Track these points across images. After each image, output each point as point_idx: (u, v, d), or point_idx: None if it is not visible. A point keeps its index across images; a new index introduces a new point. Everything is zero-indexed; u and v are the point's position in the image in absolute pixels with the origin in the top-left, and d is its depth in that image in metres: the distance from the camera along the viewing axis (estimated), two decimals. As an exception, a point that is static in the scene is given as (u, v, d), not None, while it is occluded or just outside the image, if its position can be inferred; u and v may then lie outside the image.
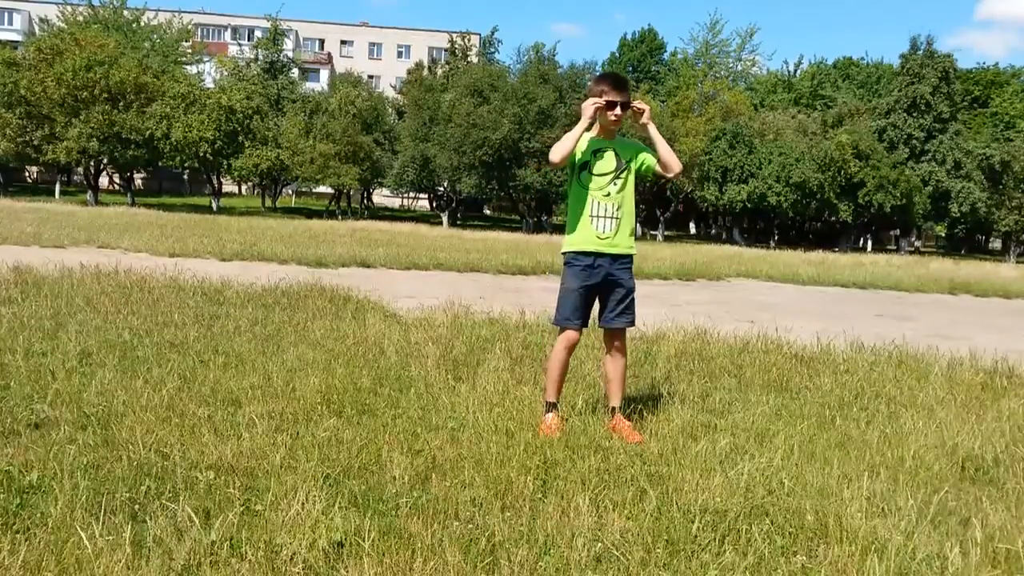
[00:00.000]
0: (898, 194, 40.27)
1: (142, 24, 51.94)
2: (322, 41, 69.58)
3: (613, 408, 3.93)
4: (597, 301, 3.95)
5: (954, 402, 4.86)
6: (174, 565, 2.26)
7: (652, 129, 3.92)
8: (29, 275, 7.78)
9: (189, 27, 55.49)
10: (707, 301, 10.92)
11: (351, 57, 68.17)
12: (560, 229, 39.08)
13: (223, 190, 42.12)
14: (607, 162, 3.86)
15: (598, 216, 3.84)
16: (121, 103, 34.78)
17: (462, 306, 7.42)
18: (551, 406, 3.87)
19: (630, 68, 65.29)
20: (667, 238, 42.47)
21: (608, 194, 3.85)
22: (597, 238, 3.84)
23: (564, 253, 3.92)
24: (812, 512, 2.83)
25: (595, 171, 3.85)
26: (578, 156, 3.83)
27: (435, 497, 2.85)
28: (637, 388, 4.73)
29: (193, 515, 2.52)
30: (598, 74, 4.05)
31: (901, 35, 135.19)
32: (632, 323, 4.03)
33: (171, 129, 34.18)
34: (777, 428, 3.98)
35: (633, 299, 4.01)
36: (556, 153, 3.78)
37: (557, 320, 3.93)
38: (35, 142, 34.88)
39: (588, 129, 3.82)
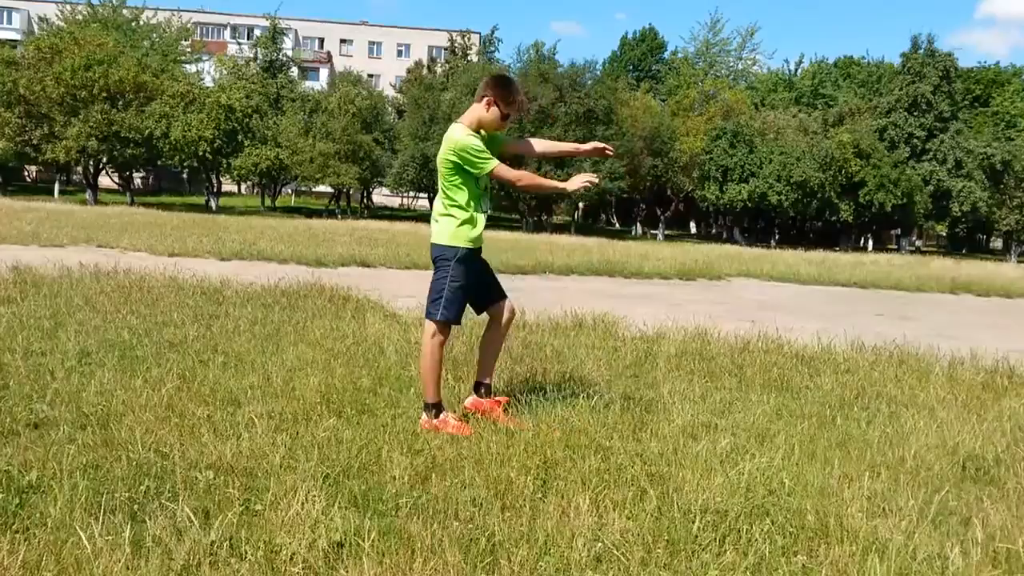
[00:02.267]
0: (899, 193, 40.28)
1: (141, 23, 51.86)
2: (321, 40, 69.55)
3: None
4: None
5: (955, 402, 4.86)
6: (174, 565, 2.26)
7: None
8: (28, 274, 7.77)
9: (188, 26, 55.42)
10: (707, 300, 10.92)
11: (350, 56, 68.14)
12: (561, 229, 39.11)
13: (223, 189, 42.08)
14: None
15: (484, 212, 3.90)
16: (120, 102, 34.76)
17: (462, 305, 7.41)
18: (440, 407, 3.81)
19: (631, 67, 65.30)
20: (667, 237, 42.46)
21: (486, 189, 3.93)
22: (481, 236, 3.92)
23: (460, 247, 3.80)
24: (813, 512, 2.83)
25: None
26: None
27: (435, 497, 2.85)
28: (637, 387, 4.72)
29: (192, 515, 2.52)
30: (503, 79, 3.98)
31: (902, 34, 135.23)
32: None
33: (170, 128, 34.15)
34: (778, 428, 3.98)
35: None
36: (522, 184, 3.95)
37: (450, 316, 3.80)
38: (34, 141, 34.86)
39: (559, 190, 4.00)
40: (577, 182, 3.82)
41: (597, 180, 3.93)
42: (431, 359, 3.79)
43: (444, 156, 3.78)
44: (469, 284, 3.85)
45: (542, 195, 37.81)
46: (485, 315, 4.09)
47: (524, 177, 3.97)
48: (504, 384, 4.52)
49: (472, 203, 3.82)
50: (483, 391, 4.02)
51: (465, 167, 3.74)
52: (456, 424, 3.72)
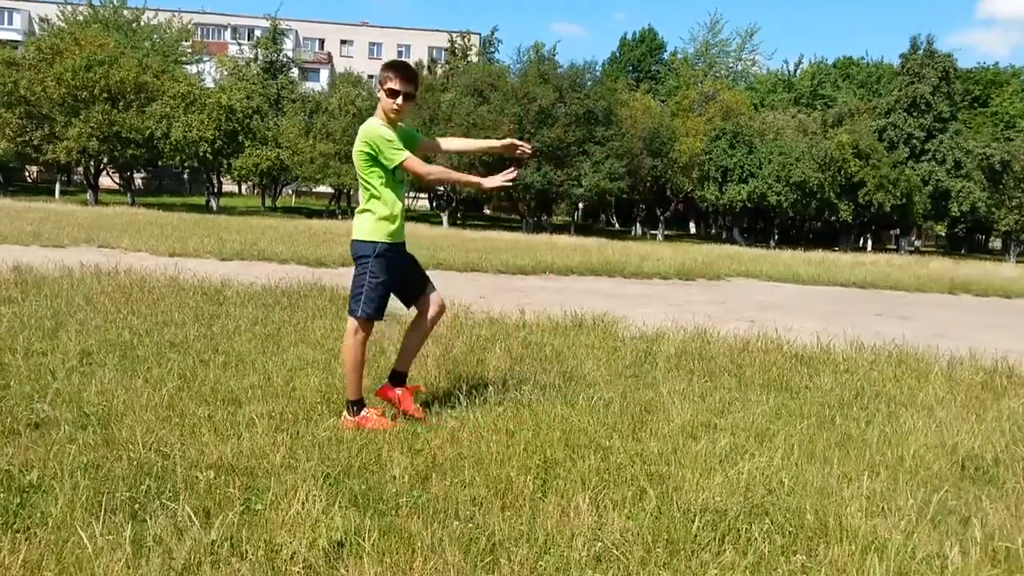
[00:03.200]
0: (898, 193, 40.27)
1: (142, 24, 51.89)
2: (322, 41, 69.56)
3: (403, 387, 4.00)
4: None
5: (954, 401, 4.87)
6: (174, 564, 2.27)
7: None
8: (29, 274, 7.78)
9: (189, 27, 55.44)
10: (707, 300, 10.92)
11: (351, 57, 68.12)
12: (561, 229, 39.11)
13: (223, 190, 42.09)
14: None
15: (401, 206, 3.85)
16: (121, 103, 34.75)
17: (462, 306, 7.42)
18: (362, 404, 3.80)
19: (630, 68, 65.27)
20: (667, 237, 42.46)
21: (401, 183, 3.86)
22: (403, 227, 3.88)
23: (378, 242, 3.76)
24: (812, 511, 2.83)
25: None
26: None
27: (435, 496, 2.85)
28: (637, 387, 4.73)
29: (193, 514, 2.53)
30: (390, 60, 3.97)
31: (901, 34, 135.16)
32: None
33: (171, 129, 34.14)
34: (777, 427, 3.99)
35: None
36: (432, 178, 3.88)
37: (371, 313, 3.76)
38: (35, 142, 34.83)
39: (474, 186, 3.85)
40: (497, 180, 3.76)
41: (515, 176, 3.82)
42: (354, 357, 3.76)
43: (358, 148, 3.75)
44: (391, 280, 3.82)
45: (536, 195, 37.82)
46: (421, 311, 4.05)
47: (434, 172, 3.91)
48: (504, 384, 4.52)
49: (389, 197, 3.77)
50: (397, 380, 4.00)
51: (379, 158, 3.70)
52: (377, 419, 3.72)
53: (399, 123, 3.87)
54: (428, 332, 4.14)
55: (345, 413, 3.78)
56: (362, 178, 3.79)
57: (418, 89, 3.97)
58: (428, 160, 4.20)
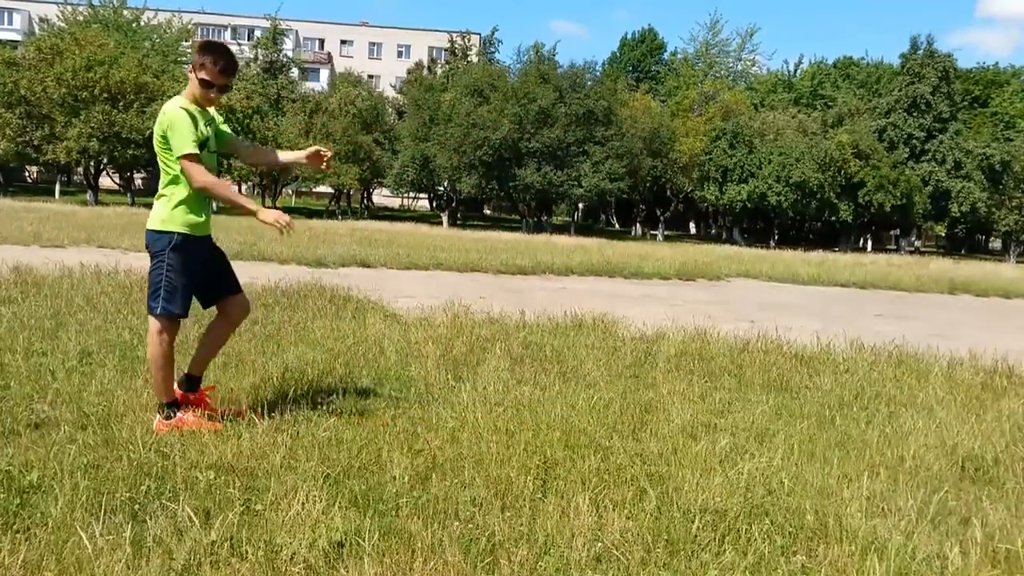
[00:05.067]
0: (898, 194, 40.30)
1: (142, 24, 51.83)
2: (322, 41, 69.59)
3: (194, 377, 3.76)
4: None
5: (954, 402, 4.87)
6: (174, 565, 2.27)
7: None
8: (29, 275, 7.77)
9: (189, 27, 55.35)
10: (707, 301, 10.92)
11: (351, 57, 68.16)
12: (560, 229, 39.11)
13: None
14: (212, 138, 3.61)
15: (207, 197, 3.59)
16: (121, 103, 34.75)
17: (462, 306, 7.42)
18: (176, 405, 3.58)
19: (630, 68, 65.26)
20: (667, 238, 42.46)
21: (212, 169, 3.60)
22: (209, 219, 3.65)
23: (175, 233, 3.48)
24: (812, 512, 2.83)
25: (210, 148, 3.59)
26: (202, 134, 3.49)
27: (435, 497, 2.85)
28: (637, 387, 4.73)
29: (193, 515, 2.52)
30: (208, 43, 3.62)
31: (902, 34, 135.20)
32: None
33: (171, 129, 34.15)
34: (777, 428, 3.99)
35: None
36: (202, 189, 3.49)
37: (173, 310, 3.49)
38: (35, 142, 34.83)
39: (249, 211, 3.54)
40: (271, 217, 3.53)
41: (288, 227, 3.53)
42: (161, 358, 3.51)
43: (156, 131, 3.51)
44: (192, 273, 3.53)
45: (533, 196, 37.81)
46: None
47: (209, 185, 3.49)
48: (504, 384, 4.52)
49: (190, 183, 3.47)
50: (188, 385, 3.74)
51: (170, 141, 3.44)
52: (195, 419, 3.51)
53: (213, 111, 3.64)
54: (228, 336, 3.95)
55: (159, 417, 3.51)
56: (162, 160, 3.50)
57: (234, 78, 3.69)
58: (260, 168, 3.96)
